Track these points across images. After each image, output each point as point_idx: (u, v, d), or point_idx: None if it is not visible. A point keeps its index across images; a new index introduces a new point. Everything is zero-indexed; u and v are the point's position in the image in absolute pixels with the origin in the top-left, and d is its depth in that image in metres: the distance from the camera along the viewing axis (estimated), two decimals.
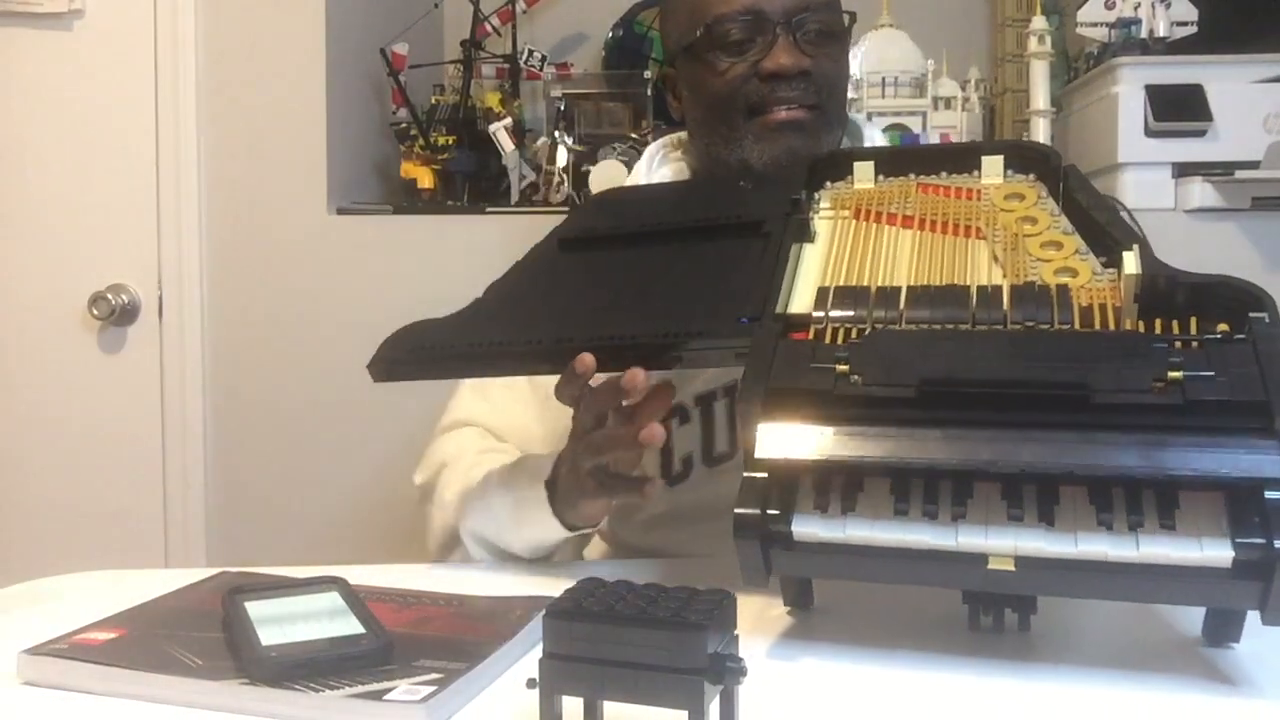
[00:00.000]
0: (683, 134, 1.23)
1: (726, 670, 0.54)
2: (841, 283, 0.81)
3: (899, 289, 0.78)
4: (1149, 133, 1.64)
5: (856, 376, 0.70)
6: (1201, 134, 1.64)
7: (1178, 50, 1.70)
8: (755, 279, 0.83)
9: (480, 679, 0.68)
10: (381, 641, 0.69)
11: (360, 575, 0.85)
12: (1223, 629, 0.73)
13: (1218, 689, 0.68)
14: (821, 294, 0.79)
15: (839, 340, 0.75)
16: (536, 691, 0.56)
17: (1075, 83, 1.87)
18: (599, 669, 0.55)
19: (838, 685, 0.69)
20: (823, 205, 0.92)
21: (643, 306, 0.90)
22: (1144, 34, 1.71)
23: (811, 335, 0.76)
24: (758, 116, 1.07)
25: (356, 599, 0.75)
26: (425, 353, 0.93)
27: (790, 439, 0.70)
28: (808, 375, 0.71)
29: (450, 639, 0.73)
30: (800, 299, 0.81)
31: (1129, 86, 1.65)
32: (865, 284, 0.81)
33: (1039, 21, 1.80)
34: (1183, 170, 1.65)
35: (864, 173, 0.95)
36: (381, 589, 0.84)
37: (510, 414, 1.16)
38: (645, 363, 0.84)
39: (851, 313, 0.77)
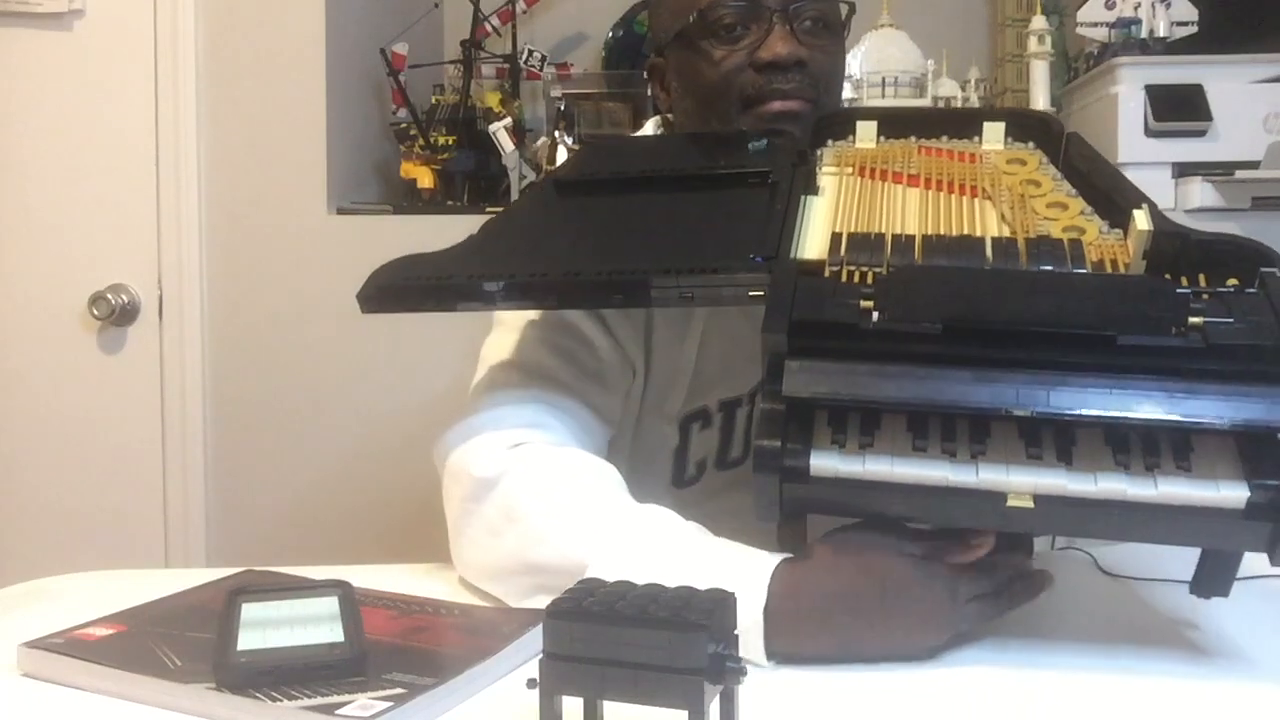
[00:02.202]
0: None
1: (726, 670, 0.54)
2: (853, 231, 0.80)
3: (913, 238, 0.78)
4: (1149, 133, 1.65)
5: (881, 312, 0.69)
6: (1201, 134, 1.64)
7: (1178, 50, 1.70)
8: (766, 222, 0.81)
9: (449, 696, 0.66)
10: (354, 652, 0.67)
11: (376, 578, 0.85)
12: (1213, 581, 0.73)
13: (1195, 666, 0.70)
14: (835, 240, 0.78)
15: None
16: (536, 691, 0.56)
17: (1075, 83, 1.87)
18: (599, 669, 0.55)
19: (837, 683, 0.68)
20: (826, 162, 0.91)
21: (650, 245, 0.87)
22: (1144, 34, 1.71)
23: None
24: (753, 108, 1.02)
25: (353, 605, 0.73)
26: (418, 283, 0.87)
27: (816, 375, 0.69)
28: (832, 310, 0.70)
29: (434, 651, 0.72)
30: (812, 246, 0.80)
31: (1129, 86, 1.66)
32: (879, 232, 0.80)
33: (1039, 21, 1.80)
34: (1183, 170, 1.65)
35: (866, 132, 0.94)
36: (386, 594, 0.83)
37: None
38: (655, 300, 0.81)
39: (867, 257, 0.76)
